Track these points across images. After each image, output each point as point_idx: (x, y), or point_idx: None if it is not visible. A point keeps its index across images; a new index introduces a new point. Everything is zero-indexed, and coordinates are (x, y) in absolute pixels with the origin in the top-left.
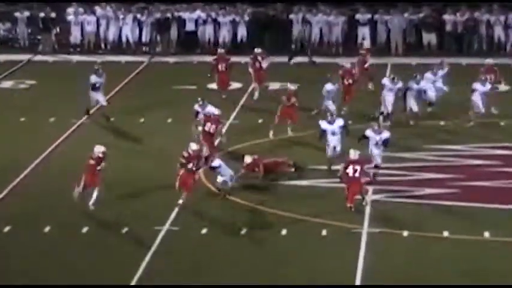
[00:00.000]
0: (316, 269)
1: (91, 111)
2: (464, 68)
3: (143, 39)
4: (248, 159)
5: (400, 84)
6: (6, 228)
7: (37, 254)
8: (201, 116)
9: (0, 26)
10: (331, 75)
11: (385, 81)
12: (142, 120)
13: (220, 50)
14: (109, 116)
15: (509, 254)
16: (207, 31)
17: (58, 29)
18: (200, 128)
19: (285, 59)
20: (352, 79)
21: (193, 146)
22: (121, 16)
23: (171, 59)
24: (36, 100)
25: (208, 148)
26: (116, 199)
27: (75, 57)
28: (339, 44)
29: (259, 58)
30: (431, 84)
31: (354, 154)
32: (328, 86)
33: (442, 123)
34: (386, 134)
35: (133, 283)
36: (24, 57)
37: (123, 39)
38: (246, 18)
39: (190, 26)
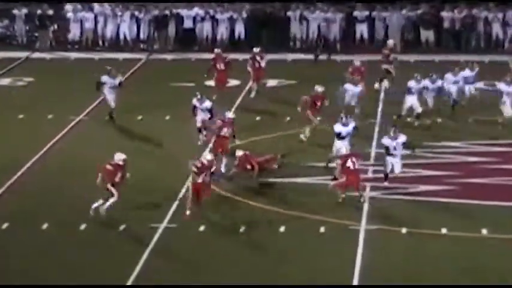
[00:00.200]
0: (315, 266)
1: (114, 114)
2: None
3: (141, 36)
4: (239, 153)
5: (424, 83)
6: (4, 226)
7: (35, 252)
8: (218, 121)
9: None
10: (353, 77)
11: (411, 83)
12: (140, 117)
13: (217, 50)
14: (113, 116)
15: (507, 251)
16: (205, 28)
17: (56, 26)
18: (204, 135)
19: (282, 56)
20: (361, 77)
21: (208, 156)
22: (119, 13)
23: (169, 56)
24: (34, 97)
25: (223, 153)
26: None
27: (73, 54)
28: (337, 41)
29: (258, 57)
30: (453, 85)
31: (346, 150)
32: (349, 87)
33: (439, 120)
34: (403, 139)
35: (131, 281)
36: (22, 54)
37: (121, 36)
38: (244, 15)
39: (188, 23)
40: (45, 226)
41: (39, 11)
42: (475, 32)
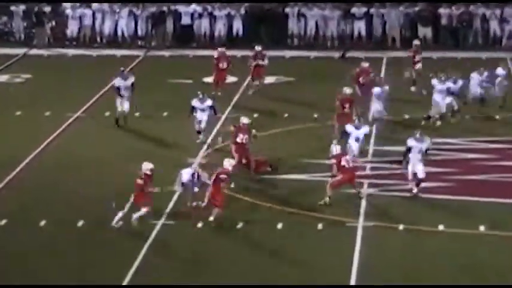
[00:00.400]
0: (312, 263)
1: (119, 121)
2: (460, 61)
3: (139, 33)
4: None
5: (449, 83)
6: (2, 222)
7: (33, 249)
8: (232, 128)
9: None
10: (379, 77)
11: (434, 82)
12: (137, 114)
13: (221, 49)
14: (121, 120)
15: (505, 248)
16: (203, 25)
17: (54, 23)
18: (220, 140)
19: (280, 53)
20: (368, 78)
21: (228, 163)
22: (117, 10)
23: (167, 53)
24: (32, 94)
25: (237, 159)
26: (110, 193)
27: (71, 51)
28: (335, 38)
29: (260, 56)
30: (477, 85)
31: (336, 149)
32: (376, 90)
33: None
34: (427, 142)
35: (128, 277)
36: (20, 51)
37: (119, 33)
38: (242, 11)
39: (186, 20)
40: (43, 223)
41: (36, 8)
42: (472, 29)
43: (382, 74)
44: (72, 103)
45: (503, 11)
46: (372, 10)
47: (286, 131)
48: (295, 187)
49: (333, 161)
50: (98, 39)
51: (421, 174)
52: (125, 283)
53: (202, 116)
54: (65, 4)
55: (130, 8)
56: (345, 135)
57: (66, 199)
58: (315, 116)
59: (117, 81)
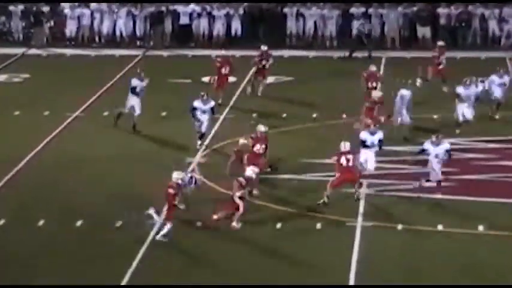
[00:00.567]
0: (311, 262)
1: (117, 120)
2: (458, 61)
3: (137, 32)
4: (242, 141)
5: (479, 88)
6: (1, 222)
7: (31, 248)
8: (249, 139)
9: None
10: (405, 81)
11: (460, 89)
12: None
13: (224, 53)
14: (135, 125)
15: (504, 248)
16: (202, 24)
17: (52, 23)
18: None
19: (279, 52)
20: (376, 82)
21: (251, 171)
22: (115, 9)
23: (165, 53)
24: (31, 94)
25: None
26: (109, 192)
27: (69, 51)
28: (333, 37)
29: (265, 56)
30: (498, 86)
31: (344, 146)
32: (404, 92)
33: (435, 116)
34: (446, 146)
35: (127, 277)
36: (19, 50)
37: (117, 32)
38: (241, 11)
39: (184, 20)
40: (41, 222)
41: (35, 8)
42: (471, 29)
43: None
44: (71, 103)
45: (502, 11)
46: (371, 10)
47: (285, 131)
48: (294, 187)
49: (334, 157)
50: (97, 39)
51: (438, 175)
52: (123, 283)
53: (203, 118)
54: (63, 4)
55: (129, 8)
56: (362, 143)
57: (65, 199)
58: (314, 115)
59: (134, 81)
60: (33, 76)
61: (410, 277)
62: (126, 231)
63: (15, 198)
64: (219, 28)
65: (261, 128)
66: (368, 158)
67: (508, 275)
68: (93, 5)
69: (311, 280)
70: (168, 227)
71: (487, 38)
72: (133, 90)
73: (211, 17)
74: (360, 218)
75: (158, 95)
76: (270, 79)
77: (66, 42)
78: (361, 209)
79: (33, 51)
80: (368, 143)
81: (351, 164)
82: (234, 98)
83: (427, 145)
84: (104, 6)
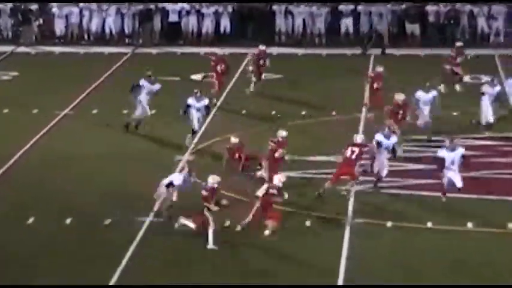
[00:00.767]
0: (301, 259)
1: (140, 124)
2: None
3: (126, 30)
4: (234, 139)
5: (499, 87)
6: None
7: (19, 247)
8: (271, 144)
9: None
10: (429, 83)
11: (486, 88)
12: (125, 111)
13: (218, 51)
14: (138, 126)
15: (492, 244)
16: (191, 22)
17: (41, 21)
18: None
19: (268, 50)
20: (381, 83)
21: (278, 179)
22: (104, 7)
23: (154, 50)
24: (19, 92)
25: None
26: (99, 190)
27: (58, 49)
28: (322, 35)
29: (263, 55)
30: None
31: (357, 138)
32: (419, 94)
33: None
34: (461, 151)
35: (116, 275)
36: (7, 48)
37: (107, 30)
38: (230, 9)
39: (173, 17)
40: (30, 221)
41: (23, 6)
42: (460, 26)
43: (370, 71)
44: (60, 101)
45: (491, 8)
46: (360, 7)
47: (274, 128)
48: (283, 184)
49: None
50: (86, 36)
51: (458, 183)
52: (112, 282)
53: (196, 115)
54: (52, 3)
55: (118, 5)
56: (377, 145)
57: (53, 197)
58: (303, 113)
59: (143, 82)
60: (22, 74)
61: (400, 274)
62: (116, 230)
63: (3, 196)
64: (208, 26)
65: (283, 133)
66: (380, 163)
67: (497, 271)
68: (81, 3)
69: (300, 277)
70: (211, 232)
71: (476, 35)
72: (135, 89)
73: (200, 15)
74: (349, 215)
75: None
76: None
77: (55, 40)
78: (350, 206)
79: (22, 49)
80: (383, 146)
81: (353, 157)
82: (223, 95)
83: (442, 152)
84: (93, 4)
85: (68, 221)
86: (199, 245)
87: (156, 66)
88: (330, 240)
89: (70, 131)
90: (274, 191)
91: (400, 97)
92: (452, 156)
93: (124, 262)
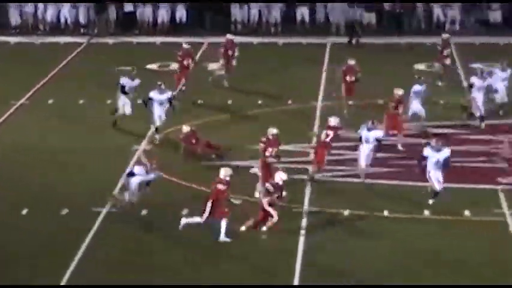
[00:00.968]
0: (257, 248)
1: (117, 114)
2: (403, 46)
3: (81, 20)
4: (186, 128)
5: (489, 80)
6: None
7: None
8: (260, 145)
9: None
10: (419, 76)
11: (474, 79)
12: (81, 101)
13: (186, 46)
14: (116, 122)
15: (449, 232)
16: (146, 12)
17: None
18: (256, 169)
19: (224, 39)
20: (355, 76)
21: (279, 177)
22: None
23: (110, 40)
24: None
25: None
26: (55, 181)
27: (13, 39)
28: (278, 24)
29: (230, 45)
30: (502, 82)
31: (331, 120)
32: (416, 87)
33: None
34: (446, 152)
35: (72, 265)
36: None
37: (62, 20)
38: None
39: (128, 7)
40: None
41: None
42: (415, 14)
43: (326, 60)
44: (16, 91)
45: None
46: None
47: (230, 118)
48: (240, 173)
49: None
50: (41, 26)
51: (437, 186)
52: (66, 276)
53: (158, 111)
54: None
55: None
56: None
57: (8, 187)
58: (260, 102)
59: (123, 80)
60: None
61: (355, 262)
62: (70, 221)
63: None
64: (163, 15)
65: (273, 130)
66: (362, 154)
67: (497, 271)
68: None
69: (253, 268)
70: (224, 224)
71: (432, 23)
72: (122, 89)
73: (155, 5)
74: (306, 203)
75: (103, 82)
76: (214, 65)
77: (10, 30)
78: (307, 195)
79: None
80: (364, 138)
81: (327, 139)
82: (180, 85)
83: (427, 151)
84: None
85: (24, 211)
86: (154, 232)
87: (111, 56)
88: (287, 229)
89: (26, 120)
90: (271, 188)
91: (399, 92)
92: (437, 156)
93: (80, 253)
